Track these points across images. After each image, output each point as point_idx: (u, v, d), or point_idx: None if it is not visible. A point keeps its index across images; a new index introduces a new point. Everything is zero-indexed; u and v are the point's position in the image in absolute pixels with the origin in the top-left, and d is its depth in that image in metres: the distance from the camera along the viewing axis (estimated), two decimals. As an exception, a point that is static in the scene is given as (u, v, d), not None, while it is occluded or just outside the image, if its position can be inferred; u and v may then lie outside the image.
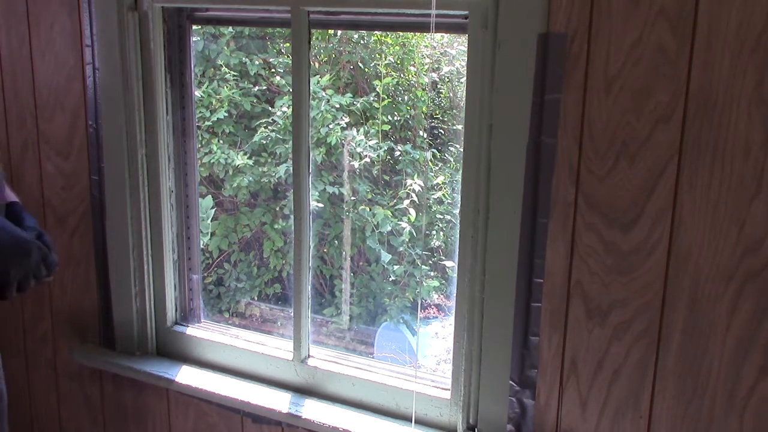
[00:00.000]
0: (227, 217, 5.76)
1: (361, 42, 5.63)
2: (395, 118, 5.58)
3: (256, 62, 5.52)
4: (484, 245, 1.47)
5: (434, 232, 5.49)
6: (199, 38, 5.37)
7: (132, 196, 1.84)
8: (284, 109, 5.36)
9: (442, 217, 5.54)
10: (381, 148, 5.39)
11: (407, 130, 5.74)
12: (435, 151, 5.62)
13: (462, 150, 1.48)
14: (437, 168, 5.59)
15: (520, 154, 1.39)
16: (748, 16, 1.18)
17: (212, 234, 5.65)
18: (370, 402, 1.71)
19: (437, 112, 5.86)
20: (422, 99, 5.61)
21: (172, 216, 1.90)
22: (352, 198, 5.51)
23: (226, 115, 5.46)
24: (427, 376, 1.69)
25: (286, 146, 5.28)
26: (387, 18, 1.63)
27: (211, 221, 5.62)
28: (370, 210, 5.40)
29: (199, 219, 1.99)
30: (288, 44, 5.48)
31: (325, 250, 5.70)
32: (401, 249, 5.39)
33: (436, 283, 5.47)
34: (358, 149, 5.31)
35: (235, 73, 5.49)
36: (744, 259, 1.26)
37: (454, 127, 5.70)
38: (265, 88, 5.64)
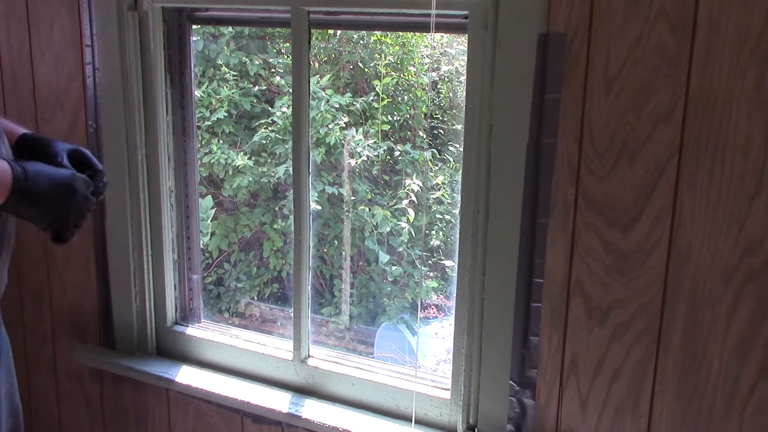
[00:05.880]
0: (227, 217, 5.76)
1: (361, 42, 5.63)
2: (395, 118, 5.57)
3: (256, 62, 5.51)
4: (484, 245, 1.47)
5: (434, 232, 5.48)
6: (199, 38, 5.37)
7: (132, 196, 1.84)
8: (284, 109, 5.36)
9: (441, 217, 5.54)
10: (380, 148, 5.39)
11: (407, 130, 5.74)
12: (435, 151, 5.62)
13: (462, 150, 1.48)
14: (437, 168, 5.59)
15: (520, 154, 1.39)
16: (748, 16, 1.18)
17: (212, 234, 5.65)
18: (370, 402, 1.71)
19: (437, 112, 5.85)
20: (422, 99, 5.60)
21: (172, 216, 1.90)
22: (352, 198, 5.51)
23: (226, 115, 5.46)
24: (427, 376, 1.69)
25: (286, 146, 5.28)
26: (387, 18, 1.63)
27: (211, 221, 5.61)
28: (370, 210, 5.40)
29: (199, 219, 1.98)
30: (288, 44, 5.48)
31: (324, 250, 5.70)
32: (400, 249, 5.39)
33: (435, 284, 5.47)
34: (358, 149, 5.31)
35: (235, 73, 5.49)
36: (744, 259, 1.26)
37: (454, 127, 5.70)
38: (264, 88, 5.64)
